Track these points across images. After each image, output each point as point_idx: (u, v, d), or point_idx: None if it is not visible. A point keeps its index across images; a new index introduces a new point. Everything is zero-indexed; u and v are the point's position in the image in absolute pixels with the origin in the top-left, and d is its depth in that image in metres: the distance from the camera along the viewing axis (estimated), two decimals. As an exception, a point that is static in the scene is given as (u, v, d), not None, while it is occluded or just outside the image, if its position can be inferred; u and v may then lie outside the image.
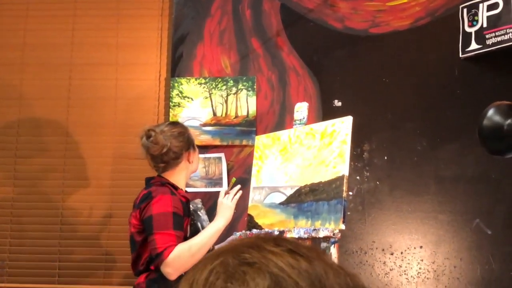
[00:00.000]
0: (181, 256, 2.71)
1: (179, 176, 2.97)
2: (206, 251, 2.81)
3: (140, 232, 2.83)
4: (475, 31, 3.61)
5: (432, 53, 3.77)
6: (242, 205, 3.60)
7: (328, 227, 2.73)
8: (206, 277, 0.65)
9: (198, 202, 3.02)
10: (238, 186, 3.06)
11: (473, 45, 3.62)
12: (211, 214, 3.04)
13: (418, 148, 3.70)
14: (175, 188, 2.90)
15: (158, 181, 2.91)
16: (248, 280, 0.63)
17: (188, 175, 3.05)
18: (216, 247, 2.71)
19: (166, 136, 2.92)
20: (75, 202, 3.97)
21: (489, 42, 3.54)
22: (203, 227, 2.92)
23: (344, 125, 2.82)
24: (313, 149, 2.94)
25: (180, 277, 2.78)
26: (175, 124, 3.08)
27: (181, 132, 2.98)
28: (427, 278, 3.58)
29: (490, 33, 3.53)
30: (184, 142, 2.97)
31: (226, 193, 3.01)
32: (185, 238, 2.85)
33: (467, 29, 3.65)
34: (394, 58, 3.81)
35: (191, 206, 2.95)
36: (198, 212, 2.97)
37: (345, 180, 2.73)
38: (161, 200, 2.80)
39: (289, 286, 0.62)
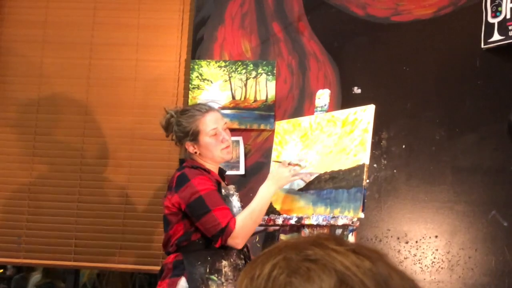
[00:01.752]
0: (245, 224, 2.77)
1: (199, 161, 2.96)
2: (262, 217, 2.88)
3: (174, 214, 2.83)
4: (498, 22, 3.59)
5: (454, 43, 3.75)
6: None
7: (347, 215, 2.74)
8: (269, 272, 0.66)
9: (231, 188, 3.01)
10: (304, 168, 2.97)
11: (496, 36, 3.60)
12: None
13: (436, 138, 3.70)
14: (207, 171, 2.91)
15: (189, 164, 2.92)
16: (314, 276, 0.64)
17: (208, 161, 2.96)
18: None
19: (173, 120, 2.97)
20: (93, 181, 3.99)
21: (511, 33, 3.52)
22: (233, 214, 2.90)
23: (366, 114, 2.82)
24: (334, 136, 2.95)
25: (201, 260, 2.79)
26: (184, 111, 3.01)
27: (179, 121, 2.95)
28: (441, 268, 3.59)
29: (513, 24, 3.51)
30: (179, 132, 2.95)
31: (289, 164, 2.93)
32: None
33: (490, 20, 3.63)
34: (415, 47, 3.80)
35: (223, 191, 2.94)
36: (230, 198, 2.97)
37: (365, 169, 2.74)
38: (201, 179, 2.81)
39: (355, 284, 0.62)
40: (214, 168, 2.98)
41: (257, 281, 0.66)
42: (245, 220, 2.78)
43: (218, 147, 2.93)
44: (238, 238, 2.75)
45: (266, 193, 2.88)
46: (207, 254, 2.80)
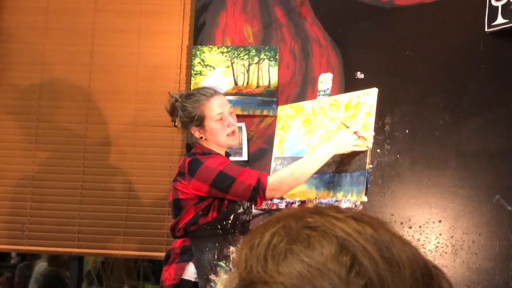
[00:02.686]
0: (284, 178, 2.76)
1: (207, 146, 2.95)
2: (310, 175, 2.81)
3: (190, 199, 2.82)
4: (502, 5, 3.56)
5: (458, 26, 3.73)
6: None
7: (350, 198, 2.74)
8: (269, 240, 0.66)
9: None
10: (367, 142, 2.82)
11: (499, 19, 3.57)
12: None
13: (440, 122, 3.68)
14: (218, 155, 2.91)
15: (199, 150, 2.90)
16: (314, 243, 0.63)
17: (214, 146, 2.94)
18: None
19: (178, 104, 2.94)
20: (96, 167, 3.99)
21: (516, 16, 3.50)
22: None
23: (369, 97, 2.81)
24: (336, 120, 2.94)
25: (209, 246, 2.79)
26: (189, 96, 2.98)
27: (184, 106, 2.92)
28: (445, 253, 3.58)
29: (517, 7, 3.49)
30: (185, 117, 2.93)
31: (355, 133, 2.79)
32: (222, 212, 2.84)
33: (494, 3, 3.60)
34: (418, 31, 3.77)
35: None
36: None
37: (368, 152, 2.73)
38: (213, 159, 2.83)
39: (357, 250, 0.62)
40: (221, 152, 2.97)
41: (257, 249, 0.66)
42: (284, 174, 2.78)
43: (223, 132, 2.91)
44: (276, 190, 2.75)
45: (321, 153, 2.81)
46: (214, 240, 2.80)
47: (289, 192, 2.98)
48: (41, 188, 4.00)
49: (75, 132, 4.02)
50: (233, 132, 2.94)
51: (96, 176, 3.98)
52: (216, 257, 2.76)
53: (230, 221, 2.82)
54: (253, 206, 2.98)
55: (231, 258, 2.79)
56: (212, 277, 2.72)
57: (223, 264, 2.76)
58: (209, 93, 2.94)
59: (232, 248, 2.81)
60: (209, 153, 2.87)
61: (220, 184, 2.76)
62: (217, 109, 2.90)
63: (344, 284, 0.60)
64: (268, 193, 2.74)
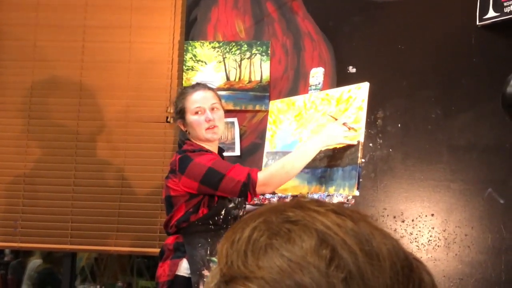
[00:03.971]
0: (275, 173, 2.77)
1: (197, 142, 2.95)
2: (300, 168, 2.81)
3: (180, 196, 2.83)
4: (493, -1, 3.57)
5: (449, 20, 3.73)
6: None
7: (342, 193, 2.74)
8: (249, 235, 0.65)
9: None
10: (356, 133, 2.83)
11: (491, 13, 3.58)
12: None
13: (432, 116, 3.69)
14: (209, 152, 2.91)
15: (190, 148, 2.91)
16: (294, 237, 0.63)
17: (199, 141, 2.94)
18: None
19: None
20: (88, 164, 3.97)
21: (507, 10, 3.50)
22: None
23: (360, 91, 2.81)
24: (327, 115, 2.94)
25: (201, 242, 2.80)
26: (180, 91, 3.07)
27: (175, 101, 3.02)
28: (438, 246, 3.59)
29: (508, 1, 3.49)
30: (174, 111, 3.03)
31: (344, 124, 2.81)
32: (213, 207, 2.85)
33: (485, -4, 3.61)
34: (410, 25, 3.78)
35: None
36: None
37: (360, 147, 2.73)
38: (203, 156, 2.83)
39: (336, 243, 0.61)
40: (212, 148, 2.96)
41: (238, 244, 0.65)
42: (275, 168, 2.79)
43: (201, 126, 2.91)
44: (266, 185, 2.75)
45: (311, 146, 2.82)
46: (206, 236, 2.81)
47: (281, 187, 2.99)
48: (33, 184, 3.99)
49: (67, 128, 4.01)
50: (213, 127, 2.92)
51: (88, 172, 3.97)
52: (208, 252, 2.77)
53: (222, 216, 2.82)
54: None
55: None
56: (205, 272, 2.73)
57: (216, 260, 2.76)
58: (195, 87, 2.98)
59: None
60: (199, 150, 2.87)
61: (209, 180, 2.77)
62: (195, 102, 2.92)
63: (324, 278, 0.60)
64: (258, 189, 2.74)
